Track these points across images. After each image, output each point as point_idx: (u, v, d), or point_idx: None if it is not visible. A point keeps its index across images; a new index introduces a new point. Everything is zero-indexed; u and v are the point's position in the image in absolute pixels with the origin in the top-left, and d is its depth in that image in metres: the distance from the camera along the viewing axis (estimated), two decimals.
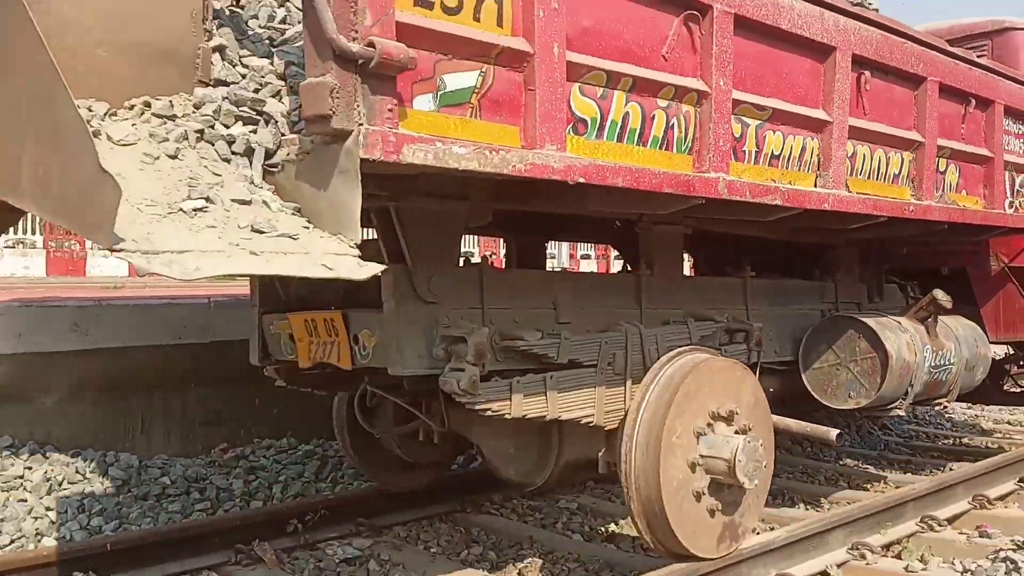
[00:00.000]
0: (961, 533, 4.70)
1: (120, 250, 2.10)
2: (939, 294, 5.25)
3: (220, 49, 2.78)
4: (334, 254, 2.43)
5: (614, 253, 11.14)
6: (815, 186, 3.97)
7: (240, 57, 2.82)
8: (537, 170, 2.79)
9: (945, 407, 7.63)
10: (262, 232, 2.39)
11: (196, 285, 6.75)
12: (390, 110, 2.44)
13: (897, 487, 5.49)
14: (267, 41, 2.92)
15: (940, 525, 4.72)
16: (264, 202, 2.50)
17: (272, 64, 2.81)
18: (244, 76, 2.80)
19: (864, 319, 4.95)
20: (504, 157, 2.71)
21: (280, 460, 5.62)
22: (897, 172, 4.55)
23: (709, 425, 3.71)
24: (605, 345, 3.75)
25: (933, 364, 5.21)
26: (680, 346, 3.95)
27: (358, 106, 2.37)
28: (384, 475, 4.97)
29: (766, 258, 5.27)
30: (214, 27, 2.77)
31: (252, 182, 2.56)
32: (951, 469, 5.93)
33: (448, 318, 3.39)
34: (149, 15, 2.62)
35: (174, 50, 2.65)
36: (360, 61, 2.34)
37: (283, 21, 3.02)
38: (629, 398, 3.77)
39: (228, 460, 5.51)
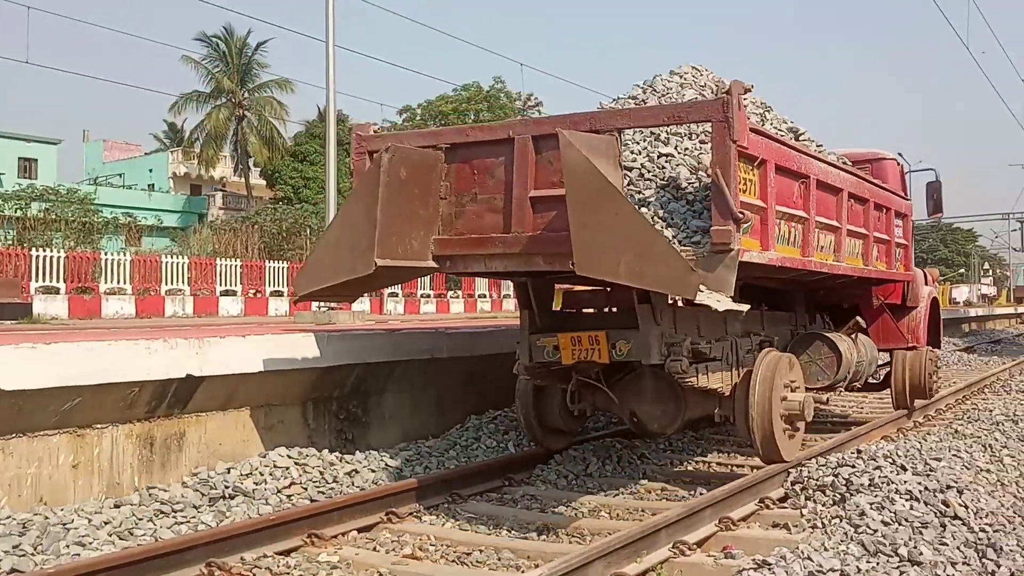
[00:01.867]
0: (709, 555, 4.95)
1: (698, 300, 5.05)
2: (860, 320, 8.72)
3: None
4: (727, 300, 5.25)
5: None
6: (834, 261, 7.23)
7: None
8: (772, 261, 6.03)
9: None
10: (701, 291, 5.15)
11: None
12: (739, 239, 5.30)
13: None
14: (629, 197, 5.70)
15: (691, 549, 4.96)
16: None
17: (649, 210, 5.70)
18: None
19: (826, 334, 8.18)
20: (765, 255, 5.90)
21: None
22: (857, 251, 7.88)
23: (787, 387, 6.76)
24: (724, 348, 6.73)
25: (857, 361, 8.35)
26: (749, 350, 7.06)
27: (737, 238, 5.25)
28: (547, 439, 7.52)
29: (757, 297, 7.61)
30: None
31: None
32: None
33: (666, 333, 6.16)
34: (605, 168, 5.31)
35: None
36: (740, 221, 5.26)
37: (629, 185, 5.87)
38: (736, 377, 6.78)
39: None
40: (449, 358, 8.66)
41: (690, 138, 6.21)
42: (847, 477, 5.86)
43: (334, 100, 13.16)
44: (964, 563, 4.57)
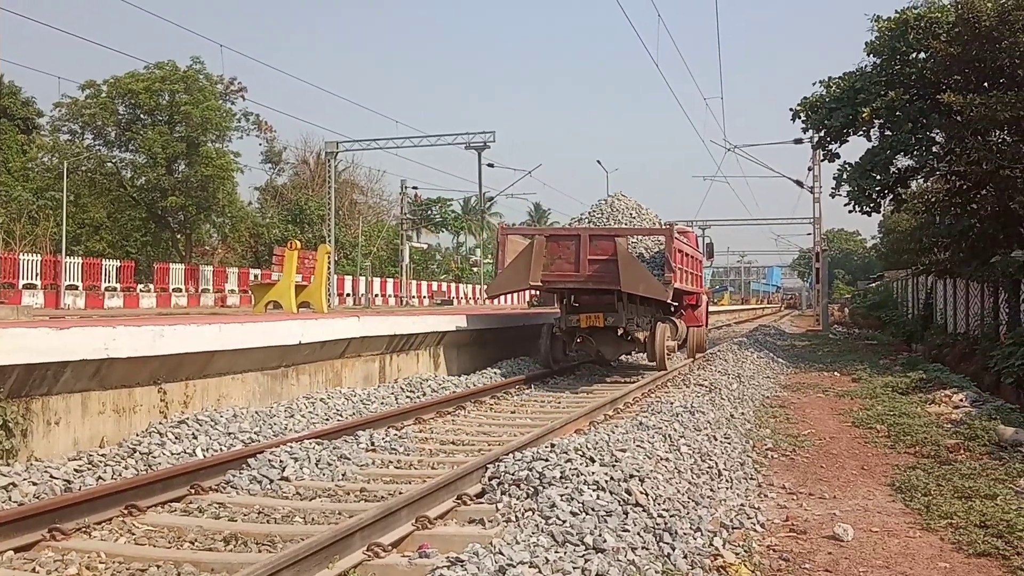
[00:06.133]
0: (404, 556, 4.86)
1: (663, 295, 14.66)
2: (682, 311, 18.47)
3: None
4: (670, 301, 15.77)
5: None
6: (683, 284, 15.91)
7: None
8: (676, 287, 15.01)
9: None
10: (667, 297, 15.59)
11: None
12: (673, 279, 14.68)
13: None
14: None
15: (385, 551, 4.86)
16: None
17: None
18: None
19: (670, 317, 17.11)
20: (675, 285, 14.92)
21: None
22: (690, 280, 16.89)
23: (668, 338, 16.21)
24: (643, 321, 15.68)
25: (681, 331, 18.05)
26: (648, 323, 15.70)
27: (673, 279, 14.63)
28: (554, 365, 15.86)
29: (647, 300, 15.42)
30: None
31: None
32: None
33: (627, 314, 15.26)
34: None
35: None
36: (675, 273, 14.67)
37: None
38: (647, 332, 15.65)
39: None
40: (128, 358, 7.88)
41: (640, 235, 15.16)
42: (540, 470, 6.00)
43: None
44: (644, 548, 4.82)
